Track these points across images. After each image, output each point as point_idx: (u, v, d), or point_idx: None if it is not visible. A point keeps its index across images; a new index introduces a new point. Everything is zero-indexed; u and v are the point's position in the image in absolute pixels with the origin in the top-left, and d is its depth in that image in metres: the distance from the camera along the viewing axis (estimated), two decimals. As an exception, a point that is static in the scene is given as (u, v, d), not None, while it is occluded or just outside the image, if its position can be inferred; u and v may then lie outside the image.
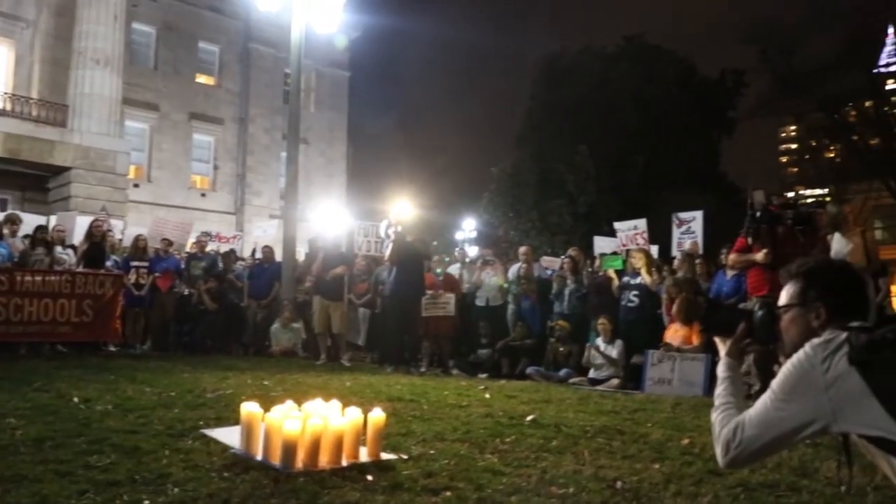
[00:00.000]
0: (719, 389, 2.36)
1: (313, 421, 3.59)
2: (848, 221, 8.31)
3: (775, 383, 2.11)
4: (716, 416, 2.26)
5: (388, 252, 11.01)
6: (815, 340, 2.08)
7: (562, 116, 36.87)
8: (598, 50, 40.53)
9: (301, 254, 14.80)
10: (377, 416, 3.89)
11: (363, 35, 37.07)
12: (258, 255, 14.06)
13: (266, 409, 3.78)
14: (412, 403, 6.12)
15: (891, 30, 35.55)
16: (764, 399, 2.13)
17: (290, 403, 3.92)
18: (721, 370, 2.44)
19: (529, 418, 5.45)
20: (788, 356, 2.16)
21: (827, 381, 1.99)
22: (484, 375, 10.18)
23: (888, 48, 36.96)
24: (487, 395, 6.96)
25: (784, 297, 2.31)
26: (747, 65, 38.42)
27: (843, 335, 2.03)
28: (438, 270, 11.72)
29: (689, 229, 13.09)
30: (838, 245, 7.86)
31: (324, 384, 7.41)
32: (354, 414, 3.81)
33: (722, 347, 2.49)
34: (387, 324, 11.06)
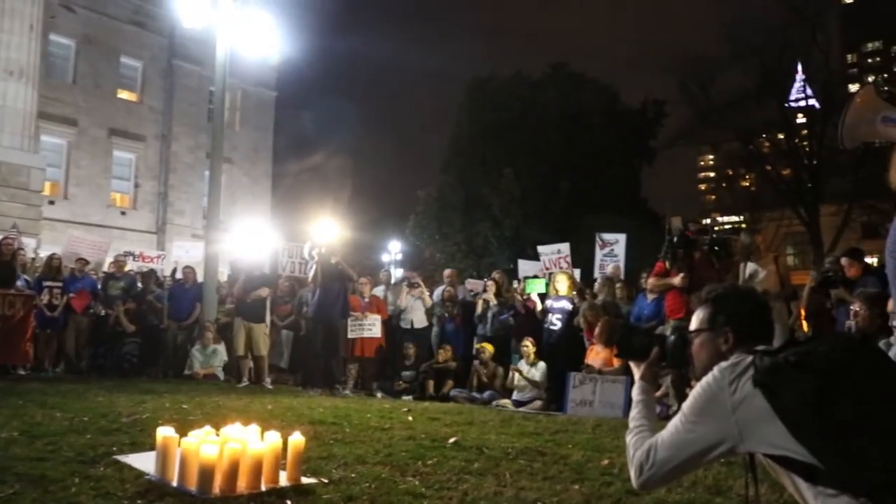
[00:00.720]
0: (634, 412, 2.43)
1: (231, 445, 3.52)
2: (760, 250, 8.62)
3: (686, 406, 2.18)
4: (630, 439, 2.32)
5: (311, 273, 10.93)
6: (723, 364, 2.15)
7: (488, 140, 37.34)
8: (525, 76, 41.29)
9: (224, 274, 14.52)
10: (297, 439, 3.85)
11: (293, 55, 36.85)
12: (178, 275, 13.74)
13: (183, 433, 3.70)
14: (334, 426, 6.06)
15: (799, 67, 37.26)
16: (675, 421, 2.19)
17: (207, 428, 3.84)
18: (635, 393, 2.51)
19: (452, 441, 5.46)
20: (699, 379, 2.24)
21: (734, 403, 2.06)
22: (408, 398, 10.15)
23: (797, 84, 38.74)
24: (410, 418, 6.94)
25: (694, 322, 2.40)
26: (668, 95, 39.82)
27: (749, 358, 2.10)
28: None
29: (612, 252, 13.32)
30: (752, 272, 8.12)
31: (245, 407, 7.27)
32: (274, 438, 3.75)
33: (636, 371, 2.56)
34: (310, 346, 10.94)
